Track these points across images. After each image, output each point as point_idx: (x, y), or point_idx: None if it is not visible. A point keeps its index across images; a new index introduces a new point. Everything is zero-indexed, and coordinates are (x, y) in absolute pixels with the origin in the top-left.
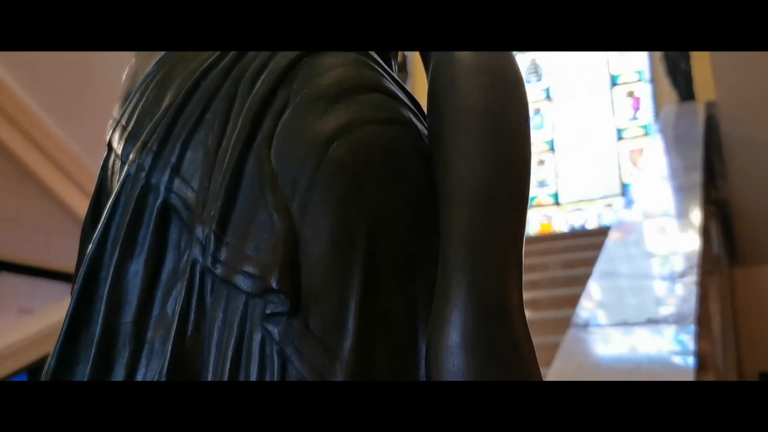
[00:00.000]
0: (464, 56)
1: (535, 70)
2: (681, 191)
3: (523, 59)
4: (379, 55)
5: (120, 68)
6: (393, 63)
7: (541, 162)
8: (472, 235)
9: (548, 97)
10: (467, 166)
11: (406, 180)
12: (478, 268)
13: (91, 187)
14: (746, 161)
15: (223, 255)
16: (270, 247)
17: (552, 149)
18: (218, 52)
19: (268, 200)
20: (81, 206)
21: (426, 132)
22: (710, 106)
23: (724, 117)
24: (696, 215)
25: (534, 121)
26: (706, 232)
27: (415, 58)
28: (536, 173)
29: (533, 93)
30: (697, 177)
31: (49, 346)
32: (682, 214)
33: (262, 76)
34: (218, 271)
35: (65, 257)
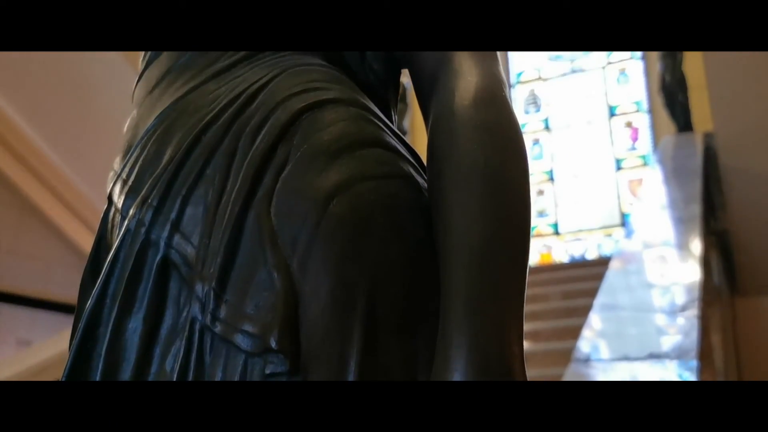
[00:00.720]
0: (463, 111)
1: (534, 101)
2: (681, 223)
3: (522, 90)
4: (379, 107)
5: (123, 101)
6: (393, 113)
7: (541, 192)
8: (473, 294)
9: (547, 128)
10: (467, 224)
11: (406, 236)
12: (478, 328)
13: (91, 217)
14: (745, 192)
15: (222, 313)
16: (270, 305)
17: (551, 179)
18: (219, 107)
19: (268, 258)
20: (80, 237)
21: (426, 185)
22: (708, 138)
23: (722, 148)
24: (696, 246)
25: (533, 151)
26: (706, 264)
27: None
28: (536, 203)
29: (532, 123)
30: (696, 208)
31: (47, 379)
32: (683, 246)
33: (263, 132)
34: (217, 329)
35: (64, 288)
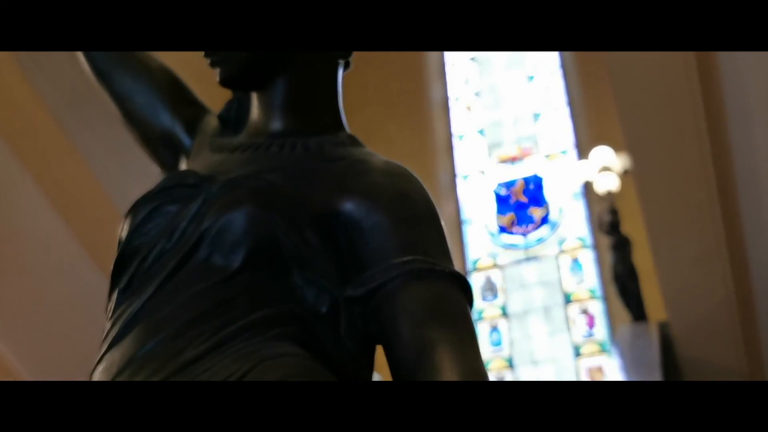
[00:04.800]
0: None
1: (491, 288)
2: None
3: (478, 277)
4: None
5: (93, 319)
6: None
7: (501, 379)
8: None
9: (504, 314)
10: None
11: None
12: None
13: None
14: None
15: None
16: None
17: (511, 366)
18: None
19: None
20: None
21: None
22: (663, 327)
23: (677, 338)
24: None
25: (491, 338)
26: None
27: None
28: None
29: (489, 310)
30: None
31: None
32: None
33: None
34: None
35: None
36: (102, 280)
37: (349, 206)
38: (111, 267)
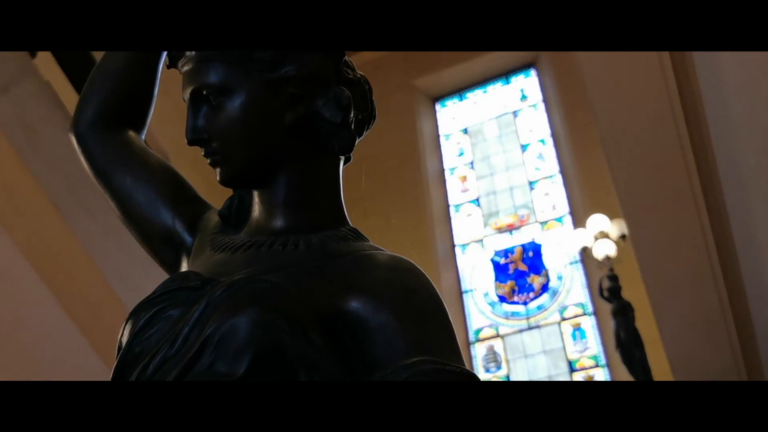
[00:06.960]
0: None
1: (494, 358)
2: None
3: (481, 348)
4: None
5: None
6: None
7: None
8: None
9: None
10: None
11: None
12: None
13: None
14: None
15: None
16: None
17: None
18: None
19: None
20: None
21: None
22: None
23: None
24: None
25: None
26: None
27: None
28: None
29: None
30: None
31: None
32: None
33: None
34: None
35: None
36: (101, 367)
37: (354, 305)
38: (112, 354)
